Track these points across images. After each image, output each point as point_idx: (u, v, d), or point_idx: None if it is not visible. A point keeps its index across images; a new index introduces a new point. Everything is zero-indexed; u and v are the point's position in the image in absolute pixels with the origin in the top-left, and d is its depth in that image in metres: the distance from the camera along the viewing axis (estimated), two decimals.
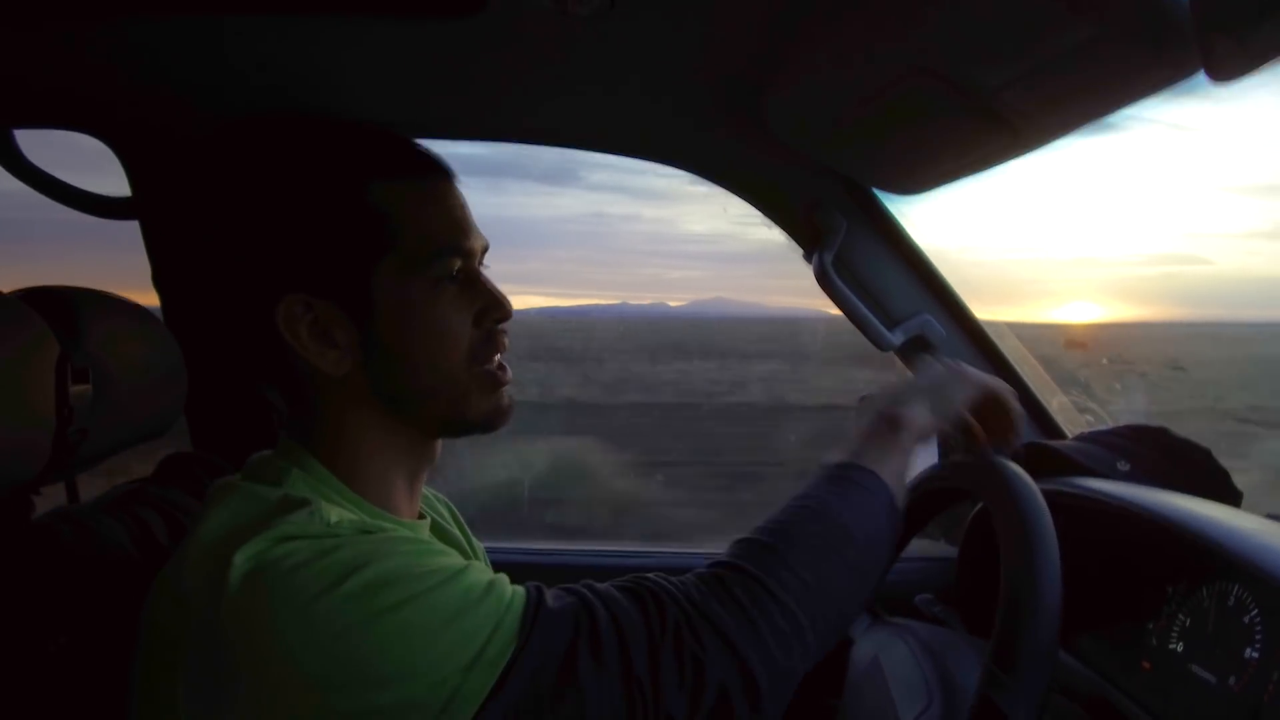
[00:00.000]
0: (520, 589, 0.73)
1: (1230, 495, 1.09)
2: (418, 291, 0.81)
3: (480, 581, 0.71)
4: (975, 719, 0.72)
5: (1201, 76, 0.57)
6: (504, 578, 0.74)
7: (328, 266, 0.80)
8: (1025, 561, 0.77)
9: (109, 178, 1.32)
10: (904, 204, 1.35)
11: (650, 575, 0.77)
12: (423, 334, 0.81)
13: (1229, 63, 0.50)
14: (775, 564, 0.76)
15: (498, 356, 0.86)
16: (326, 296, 0.80)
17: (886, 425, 0.89)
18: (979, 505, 1.21)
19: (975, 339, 1.40)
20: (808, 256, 1.39)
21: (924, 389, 0.94)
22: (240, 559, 0.67)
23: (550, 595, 0.73)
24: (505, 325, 0.87)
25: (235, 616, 0.66)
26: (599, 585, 0.76)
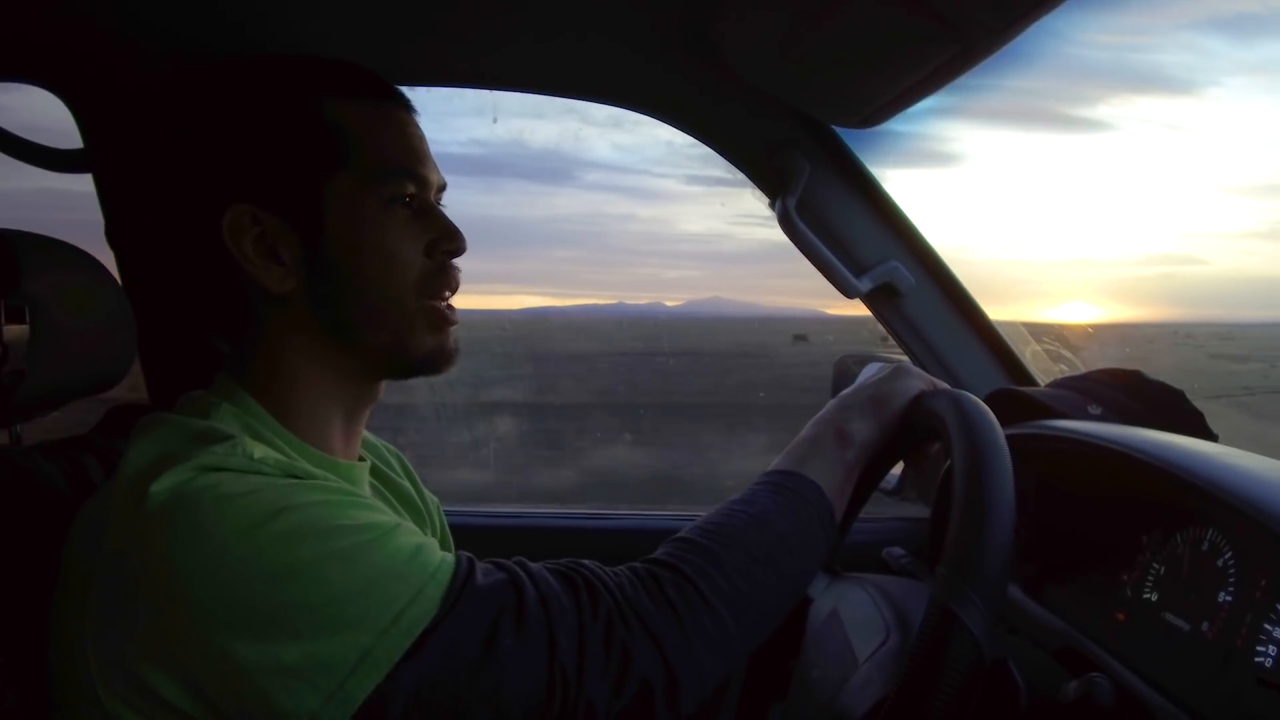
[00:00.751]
0: (449, 559, 0.70)
1: (1205, 437, 1.05)
2: (369, 210, 0.80)
3: (407, 545, 0.69)
4: (930, 627, 0.67)
5: None
6: (433, 543, 0.71)
7: (278, 178, 0.78)
8: (976, 464, 0.73)
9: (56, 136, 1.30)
10: (872, 151, 1.31)
11: (586, 563, 0.75)
12: (371, 254, 0.80)
13: None
14: (711, 568, 0.75)
15: (448, 294, 0.84)
16: (275, 210, 0.78)
17: (835, 438, 0.88)
18: (950, 460, 1.18)
19: (945, 286, 1.36)
20: (772, 203, 1.35)
21: (871, 400, 0.91)
22: (157, 489, 0.65)
23: (480, 569, 0.71)
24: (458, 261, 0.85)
25: (146, 548, 0.64)
26: (532, 565, 0.74)
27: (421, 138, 0.85)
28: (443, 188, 0.87)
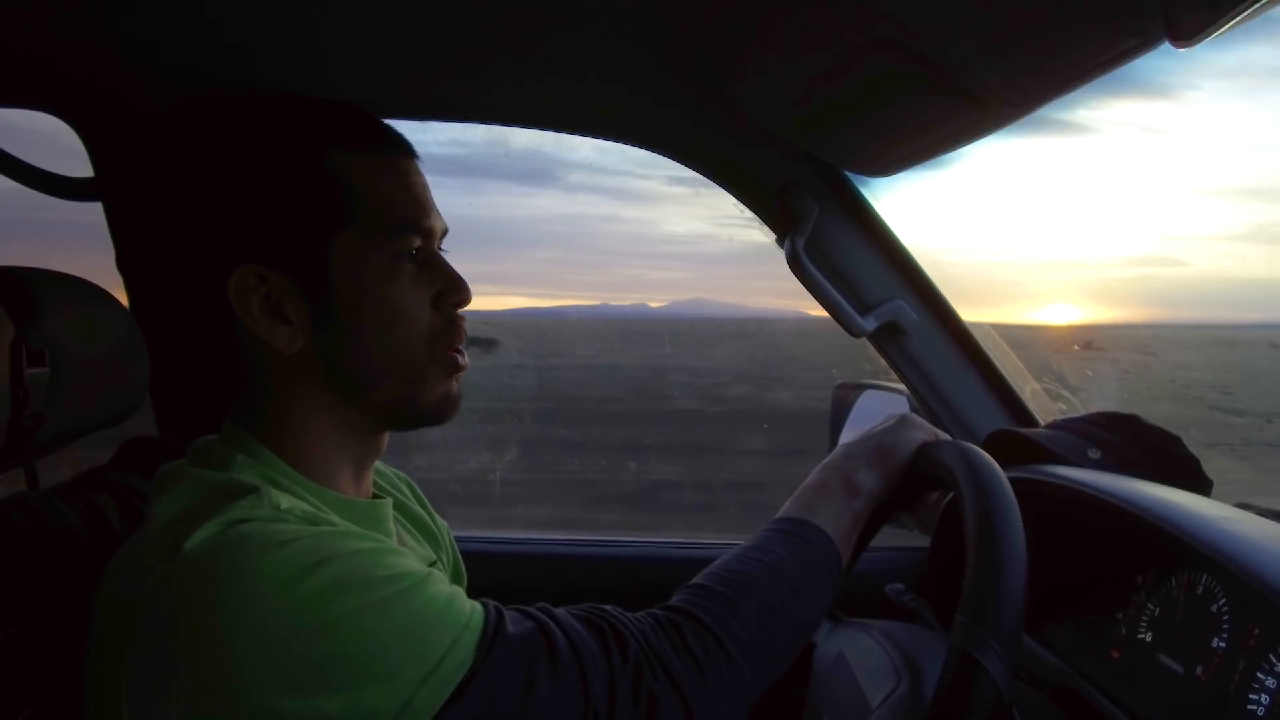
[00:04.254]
0: (479, 607, 0.72)
1: (1200, 483, 1.08)
2: (375, 267, 0.79)
3: (441, 593, 0.70)
4: (952, 672, 0.70)
5: (1166, 45, 0.56)
6: (461, 593, 0.72)
7: (282, 237, 0.78)
8: (988, 515, 0.77)
9: (67, 163, 1.30)
10: (877, 188, 1.34)
11: (608, 609, 0.77)
12: (379, 311, 0.79)
13: (1190, 23, 0.49)
14: (728, 617, 0.77)
15: (459, 345, 0.85)
16: (281, 269, 0.78)
17: (843, 487, 0.91)
18: (951, 494, 1.20)
19: (948, 325, 1.38)
20: (780, 241, 1.37)
21: (878, 450, 0.94)
22: (191, 546, 0.65)
23: (509, 618, 0.72)
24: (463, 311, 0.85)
25: (183, 606, 0.64)
26: (557, 611, 0.75)
27: (424, 185, 0.85)
28: (444, 233, 0.87)
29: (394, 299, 0.80)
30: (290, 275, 0.78)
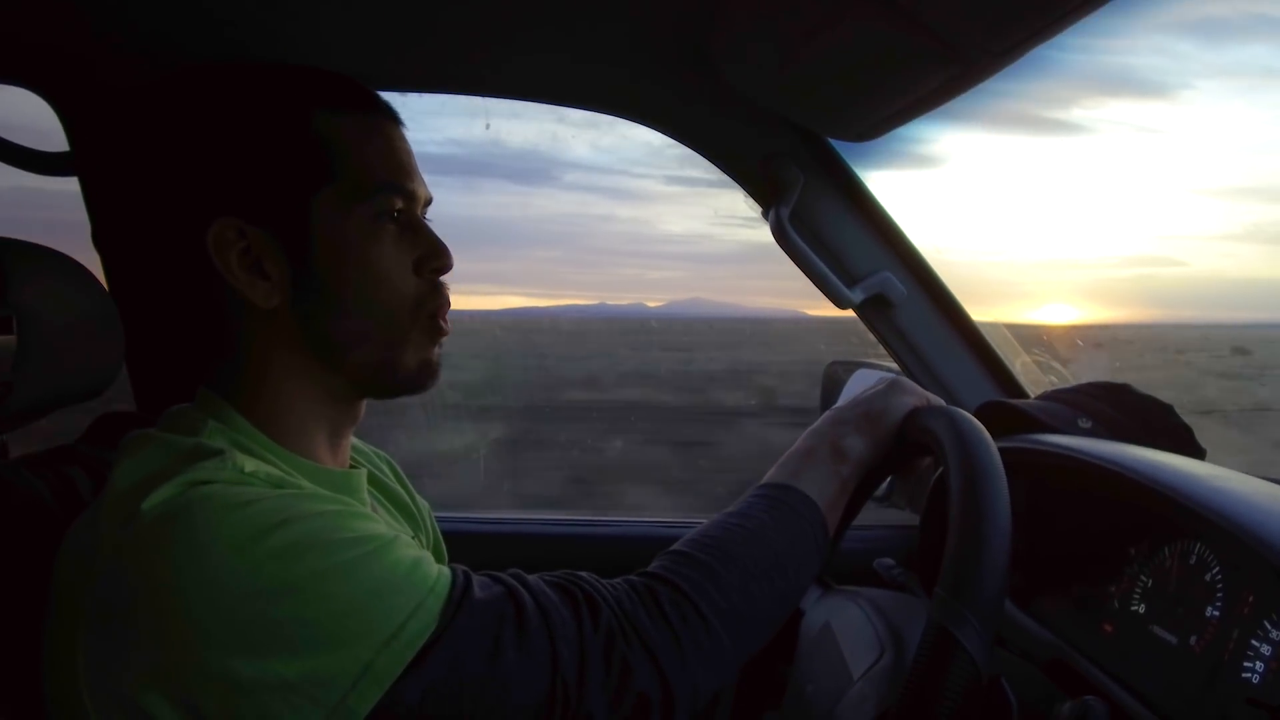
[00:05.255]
0: (446, 571, 0.70)
1: (1193, 451, 1.07)
2: (356, 226, 0.79)
3: (406, 557, 0.68)
4: (928, 648, 0.68)
5: None
6: (429, 557, 0.71)
7: (264, 192, 0.77)
8: (973, 487, 0.74)
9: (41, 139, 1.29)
10: (864, 162, 1.32)
11: (583, 575, 0.75)
12: (359, 270, 0.79)
13: None
14: (707, 584, 0.75)
15: (443, 310, 0.84)
16: (261, 224, 0.77)
17: (830, 453, 0.89)
18: (941, 469, 1.19)
19: (936, 297, 1.37)
20: (765, 213, 1.35)
21: (866, 415, 0.92)
22: (148, 505, 0.64)
23: (477, 583, 0.71)
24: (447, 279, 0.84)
25: (139, 568, 0.63)
26: (529, 577, 0.74)
27: (409, 151, 0.84)
28: (429, 202, 0.86)
29: (374, 259, 0.79)
30: (270, 231, 0.77)
